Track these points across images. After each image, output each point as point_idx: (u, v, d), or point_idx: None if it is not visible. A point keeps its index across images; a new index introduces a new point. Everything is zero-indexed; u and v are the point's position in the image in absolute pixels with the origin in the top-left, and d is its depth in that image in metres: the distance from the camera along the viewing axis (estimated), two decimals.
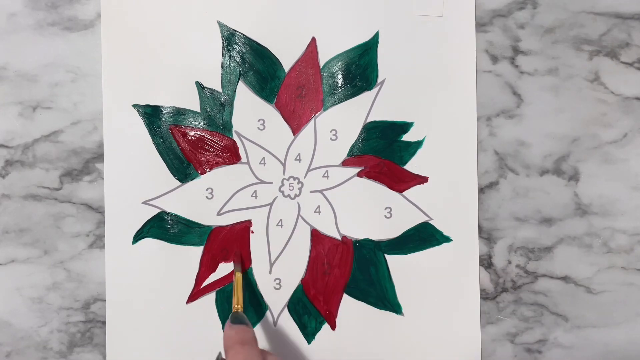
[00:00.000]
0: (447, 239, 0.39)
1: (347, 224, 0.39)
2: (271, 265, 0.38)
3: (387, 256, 0.39)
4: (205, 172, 0.38)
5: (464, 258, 0.39)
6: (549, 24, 0.40)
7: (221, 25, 0.38)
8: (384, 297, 0.39)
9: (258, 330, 0.38)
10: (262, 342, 0.38)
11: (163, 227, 0.38)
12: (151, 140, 0.38)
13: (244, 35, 0.38)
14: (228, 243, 0.38)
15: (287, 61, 0.38)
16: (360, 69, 0.39)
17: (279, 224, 0.39)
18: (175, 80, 0.38)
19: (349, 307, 0.39)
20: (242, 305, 0.35)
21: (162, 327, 0.38)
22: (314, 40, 0.38)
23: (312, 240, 0.39)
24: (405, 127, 0.39)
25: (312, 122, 0.39)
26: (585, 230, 0.40)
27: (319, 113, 0.39)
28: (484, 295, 0.39)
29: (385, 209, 0.39)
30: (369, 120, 0.39)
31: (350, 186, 0.39)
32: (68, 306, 0.39)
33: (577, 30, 0.40)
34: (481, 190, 0.39)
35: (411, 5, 0.39)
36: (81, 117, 0.39)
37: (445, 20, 0.39)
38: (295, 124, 0.39)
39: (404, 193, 0.39)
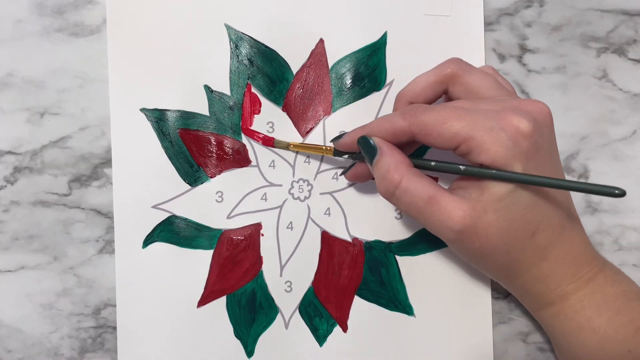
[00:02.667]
0: None
1: (357, 225, 0.39)
2: (282, 268, 0.38)
3: (397, 257, 0.39)
4: (214, 176, 0.38)
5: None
6: (555, 21, 0.40)
7: (229, 28, 0.38)
8: (395, 299, 0.38)
9: (269, 333, 0.38)
10: (274, 346, 0.38)
11: (173, 231, 0.38)
12: (160, 145, 0.38)
13: (251, 38, 0.38)
14: (238, 246, 0.38)
15: (296, 63, 0.38)
16: (369, 69, 0.39)
17: (289, 226, 0.39)
18: (184, 84, 0.38)
19: (360, 309, 0.38)
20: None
21: (173, 331, 0.38)
22: (322, 41, 0.38)
23: (322, 242, 0.38)
24: None
25: (321, 124, 0.39)
26: (596, 228, 0.40)
27: (327, 115, 0.39)
28: (495, 295, 0.39)
29: (396, 210, 0.39)
30: None
31: (360, 188, 0.39)
32: (79, 312, 0.39)
33: (584, 27, 0.40)
34: None
35: (419, 5, 0.39)
36: (89, 122, 0.39)
37: (453, 20, 0.39)
38: (304, 126, 0.39)
39: None
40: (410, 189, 0.31)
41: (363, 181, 0.37)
